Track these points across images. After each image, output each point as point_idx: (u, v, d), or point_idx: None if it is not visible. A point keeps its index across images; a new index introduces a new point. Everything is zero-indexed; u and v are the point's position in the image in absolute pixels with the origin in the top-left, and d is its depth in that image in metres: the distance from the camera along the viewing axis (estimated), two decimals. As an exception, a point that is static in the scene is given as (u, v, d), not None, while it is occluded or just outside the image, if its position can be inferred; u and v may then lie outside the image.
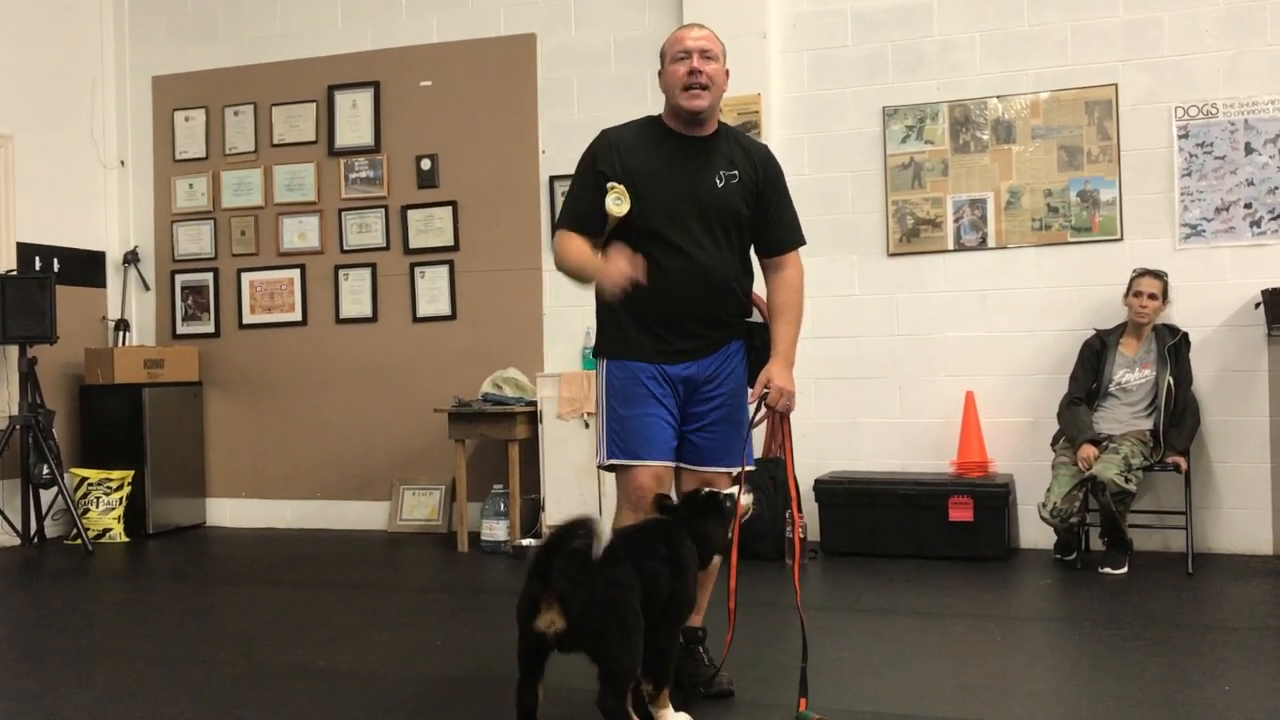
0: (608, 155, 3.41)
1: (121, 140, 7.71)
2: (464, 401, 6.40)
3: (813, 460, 6.15)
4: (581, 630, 2.73)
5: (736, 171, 3.43)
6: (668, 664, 3.07)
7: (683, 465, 3.51)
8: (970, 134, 6.05)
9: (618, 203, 3.35)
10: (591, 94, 6.69)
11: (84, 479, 6.88)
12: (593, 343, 6.65)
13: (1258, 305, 5.51)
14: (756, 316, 3.65)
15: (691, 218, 3.38)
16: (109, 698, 3.67)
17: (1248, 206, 5.64)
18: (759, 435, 5.17)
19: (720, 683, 3.48)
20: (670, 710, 3.08)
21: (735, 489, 3.28)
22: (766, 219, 3.50)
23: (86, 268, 7.47)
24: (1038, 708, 3.40)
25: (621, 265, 3.23)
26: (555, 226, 3.52)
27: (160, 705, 3.58)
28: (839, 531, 5.84)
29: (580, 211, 3.42)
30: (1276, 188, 5.59)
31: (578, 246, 3.38)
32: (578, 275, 3.40)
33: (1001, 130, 6.01)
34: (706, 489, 3.31)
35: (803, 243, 3.58)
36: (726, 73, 3.46)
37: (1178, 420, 5.40)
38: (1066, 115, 5.90)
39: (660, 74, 3.48)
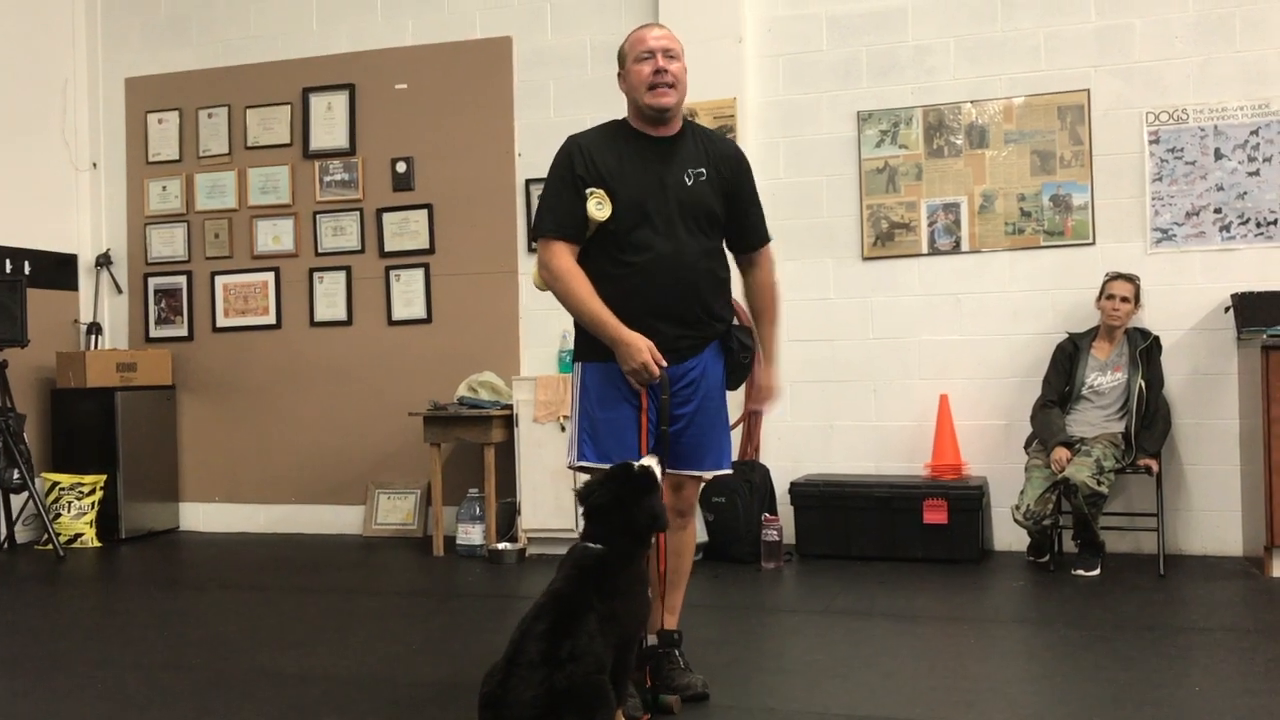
0: (583, 160, 3.42)
1: (94, 142, 7.65)
2: (439, 405, 6.38)
3: (788, 463, 6.16)
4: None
5: (704, 170, 3.45)
6: (622, 682, 3.00)
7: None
8: (944, 138, 6.08)
9: (599, 207, 3.37)
10: (568, 97, 6.69)
11: (55, 483, 6.82)
12: (569, 346, 6.66)
13: (1227, 309, 5.56)
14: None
15: (665, 217, 3.39)
16: (80, 704, 3.64)
17: (1217, 211, 5.69)
18: (734, 438, 5.18)
19: (695, 685, 3.48)
20: None
21: (650, 460, 3.16)
22: (737, 215, 3.56)
23: (58, 270, 7.41)
24: (1010, 709, 3.42)
25: (646, 358, 3.29)
26: (538, 234, 3.49)
27: (132, 711, 3.55)
28: (814, 534, 5.85)
29: (563, 218, 3.42)
30: (1245, 193, 5.65)
31: (590, 294, 3.36)
32: (588, 324, 3.40)
33: (975, 135, 6.04)
34: (626, 465, 3.16)
35: (769, 239, 3.68)
36: (684, 70, 3.50)
37: (1149, 423, 5.44)
38: (1039, 120, 5.94)
39: (621, 75, 3.51)
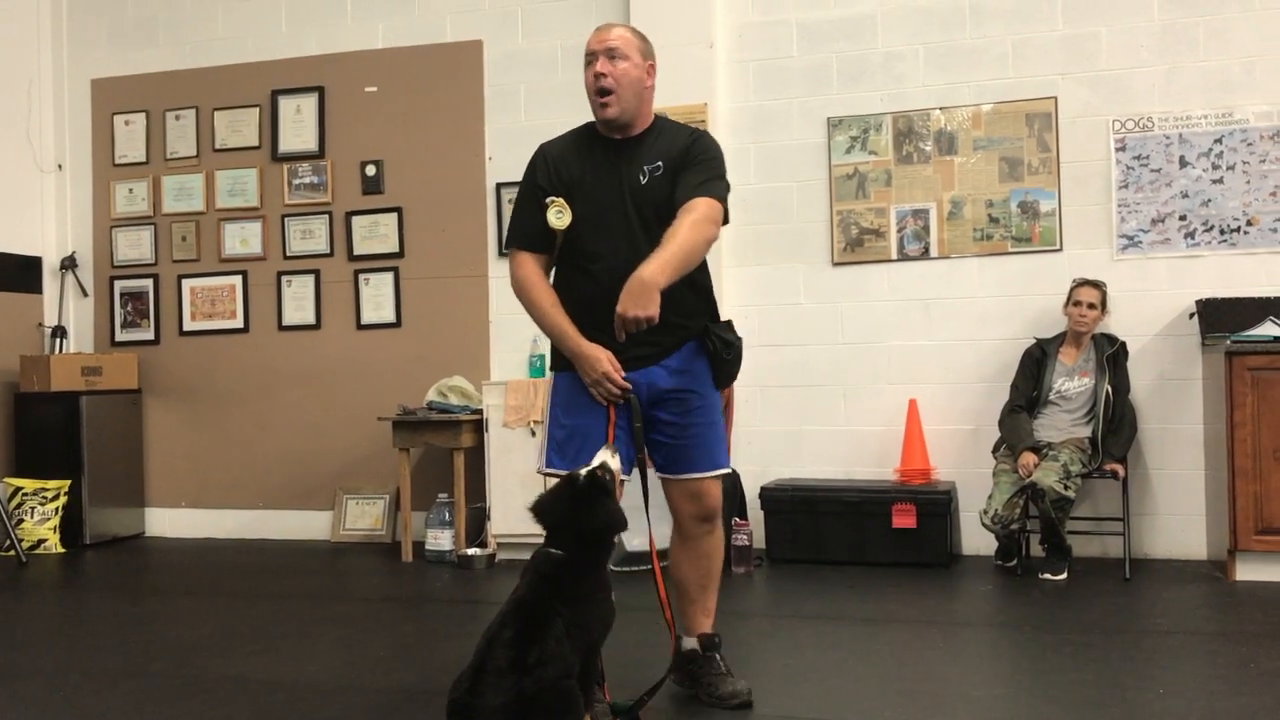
0: (545, 169, 3.42)
1: (59, 143, 7.57)
2: (409, 410, 6.35)
3: (757, 468, 6.17)
4: None
5: (660, 163, 3.37)
6: (590, 685, 2.96)
7: (664, 475, 3.47)
8: (913, 145, 6.11)
9: (559, 216, 3.36)
10: (538, 100, 6.68)
11: (19, 489, 6.73)
12: (539, 350, 6.66)
13: (1192, 315, 5.62)
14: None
15: (624, 219, 3.34)
16: (43, 712, 3.59)
17: (1182, 219, 5.75)
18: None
19: (741, 693, 3.43)
20: None
21: (604, 455, 3.11)
22: (680, 181, 3.33)
23: (22, 273, 7.32)
24: (977, 712, 3.44)
25: (606, 368, 3.27)
26: (506, 245, 3.51)
27: (95, 719, 3.51)
28: (783, 539, 5.87)
29: (526, 229, 3.43)
30: (1210, 200, 5.71)
31: (551, 305, 3.36)
32: (549, 335, 3.40)
33: (944, 141, 6.08)
34: (583, 472, 3.06)
35: (712, 195, 3.31)
36: (651, 67, 3.41)
37: (1116, 428, 5.49)
38: (1007, 127, 5.99)
39: None
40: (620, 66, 3.33)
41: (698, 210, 3.25)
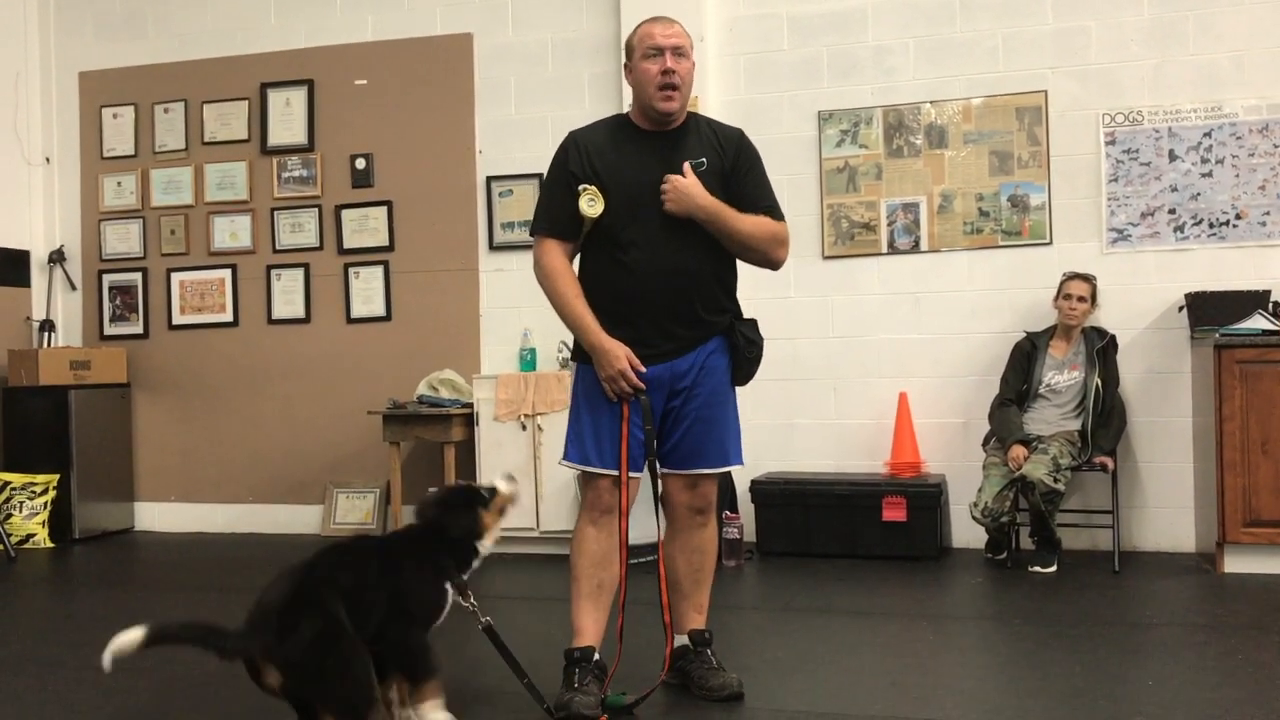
0: (578, 157, 3.38)
1: (47, 137, 7.53)
2: (399, 403, 6.34)
3: (748, 461, 6.07)
4: (301, 683, 2.80)
5: (704, 160, 3.39)
6: (417, 658, 2.97)
7: (666, 470, 3.46)
8: (904, 138, 6.12)
9: (591, 204, 3.33)
10: (529, 94, 6.67)
11: (7, 483, 6.71)
12: (529, 344, 6.64)
13: (1181, 308, 5.64)
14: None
15: (660, 213, 3.33)
16: (31, 708, 3.59)
17: (1171, 212, 5.76)
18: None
19: (730, 685, 3.44)
20: (438, 707, 2.99)
21: (499, 480, 3.23)
22: (733, 187, 3.43)
23: (10, 267, 7.29)
24: (968, 704, 3.44)
25: (624, 365, 3.27)
26: (531, 230, 3.49)
27: (84, 715, 3.50)
28: (774, 532, 5.87)
29: (555, 215, 3.40)
30: (1199, 194, 5.73)
31: (575, 295, 3.35)
32: (570, 326, 3.39)
33: (934, 135, 6.08)
34: (464, 484, 3.20)
35: (777, 216, 3.50)
36: (693, 64, 3.45)
37: (1105, 421, 5.50)
38: (997, 121, 5.99)
39: (627, 69, 3.43)
40: (684, 65, 3.36)
41: (780, 233, 3.49)
